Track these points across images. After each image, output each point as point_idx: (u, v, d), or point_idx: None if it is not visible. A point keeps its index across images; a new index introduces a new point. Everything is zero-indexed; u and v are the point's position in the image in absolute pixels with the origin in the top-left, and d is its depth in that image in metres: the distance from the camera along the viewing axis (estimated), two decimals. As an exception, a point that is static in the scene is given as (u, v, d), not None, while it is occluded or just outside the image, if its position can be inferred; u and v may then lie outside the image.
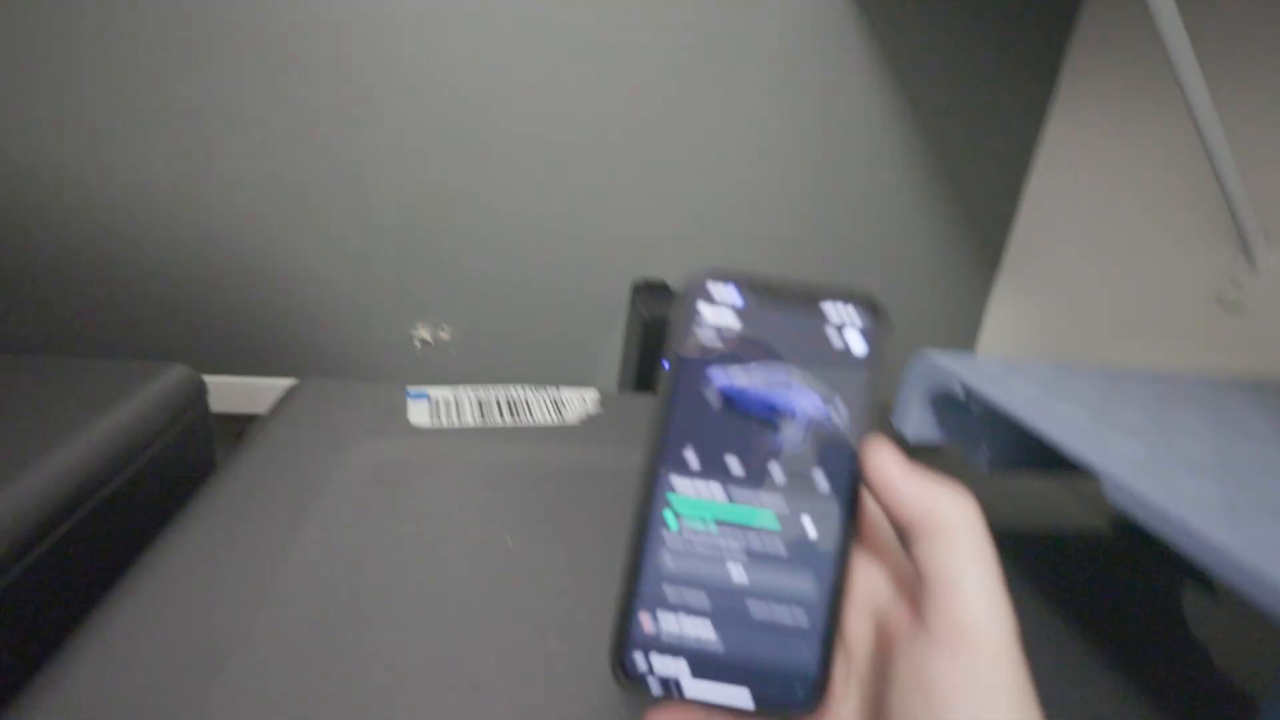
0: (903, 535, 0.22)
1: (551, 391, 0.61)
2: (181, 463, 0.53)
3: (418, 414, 0.52)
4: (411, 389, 0.57)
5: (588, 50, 0.72)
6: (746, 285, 0.26)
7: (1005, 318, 0.87)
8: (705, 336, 0.26)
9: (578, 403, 0.59)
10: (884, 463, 0.22)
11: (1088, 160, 0.77)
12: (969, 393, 0.40)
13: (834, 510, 0.25)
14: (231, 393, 0.74)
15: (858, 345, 0.25)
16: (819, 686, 0.25)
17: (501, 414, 0.55)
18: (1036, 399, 0.37)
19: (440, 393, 0.57)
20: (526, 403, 0.58)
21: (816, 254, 0.85)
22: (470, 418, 0.53)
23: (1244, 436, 0.35)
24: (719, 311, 0.26)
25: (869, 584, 0.25)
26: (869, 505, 0.26)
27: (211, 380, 0.59)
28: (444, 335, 0.81)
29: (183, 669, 0.27)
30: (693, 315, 0.26)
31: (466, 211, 0.75)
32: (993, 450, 0.48)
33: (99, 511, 0.42)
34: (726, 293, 0.26)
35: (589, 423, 0.55)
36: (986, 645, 0.19)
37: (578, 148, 0.75)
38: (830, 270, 0.86)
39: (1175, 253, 0.65)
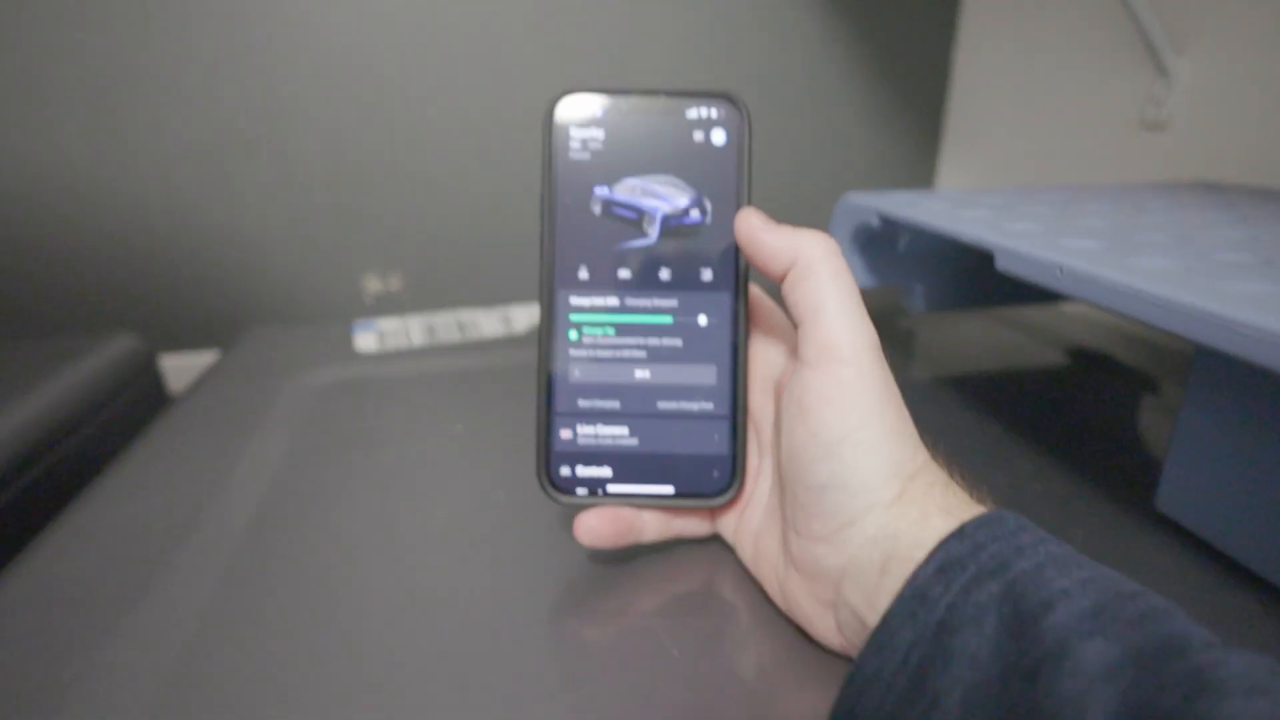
0: (781, 291, 0.23)
1: (501, 309, 0.61)
2: (136, 431, 0.53)
3: (365, 343, 0.53)
4: (359, 322, 0.57)
5: (488, -32, 0.70)
6: (609, 99, 0.26)
7: (953, 180, 0.88)
8: (576, 155, 0.26)
9: (526, 316, 0.59)
10: (749, 223, 0.24)
11: (1005, 17, 0.76)
12: (883, 219, 0.40)
13: (723, 300, 0.26)
14: (185, 374, 0.74)
15: (720, 139, 0.26)
16: (735, 469, 0.27)
17: (449, 333, 0.55)
18: (945, 211, 0.38)
19: (388, 323, 0.57)
20: (475, 322, 0.58)
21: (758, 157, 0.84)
22: (418, 339, 0.54)
23: (1139, 212, 0.36)
24: (585, 128, 0.26)
25: (766, 363, 0.26)
26: (755, 291, 0.27)
27: (167, 362, 0.59)
28: (395, 285, 0.81)
29: (125, 574, 0.28)
30: (561, 135, 0.26)
31: (399, 151, 0.75)
32: (926, 289, 0.49)
33: (42, 481, 0.42)
34: (590, 109, 0.26)
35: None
36: (848, 356, 0.21)
37: (508, 72, 0.74)
38: (778, 165, 0.85)
39: (1099, 86, 0.66)
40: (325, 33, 0.69)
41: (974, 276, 0.48)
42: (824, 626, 0.22)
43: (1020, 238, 0.31)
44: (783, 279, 0.23)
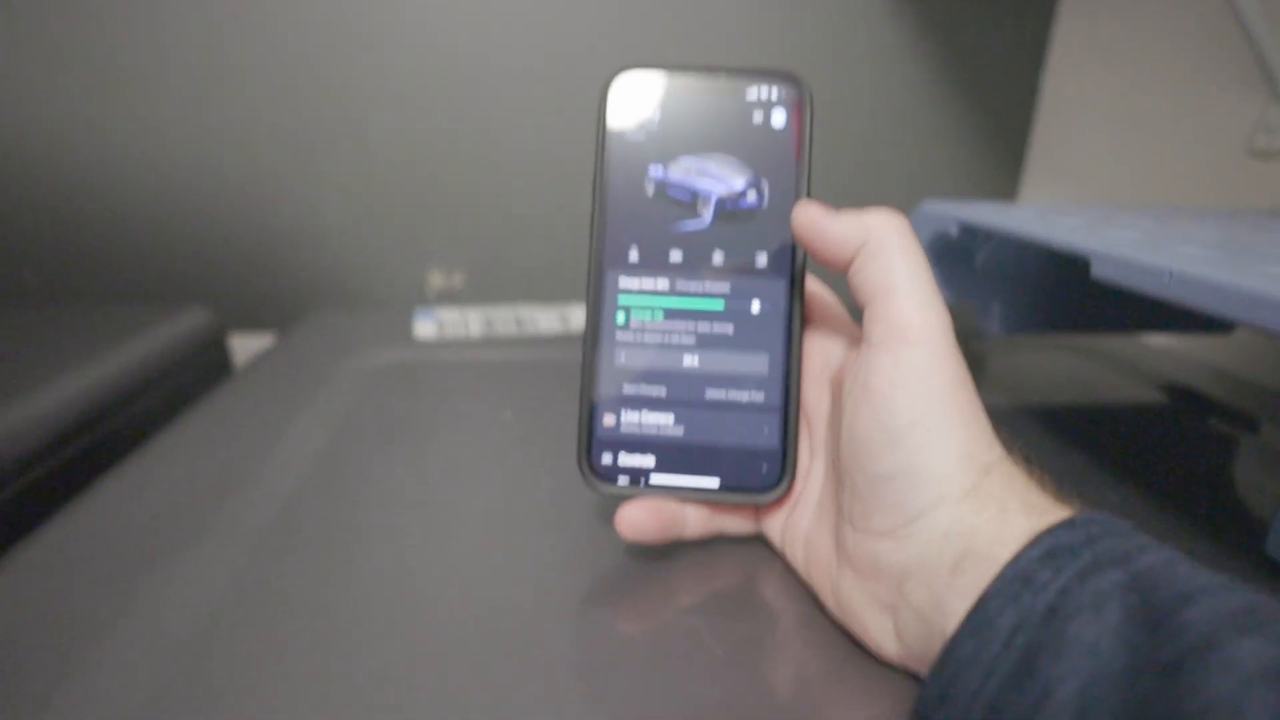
0: (848, 276, 0.22)
1: (559, 308, 0.61)
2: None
3: (423, 330, 0.53)
4: (419, 310, 0.58)
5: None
6: (666, 76, 0.26)
7: (1036, 202, 0.84)
8: (631, 133, 0.26)
9: (584, 315, 0.59)
10: (809, 214, 0.22)
11: (1104, 33, 0.73)
12: (963, 228, 0.38)
13: (778, 287, 0.25)
14: (253, 352, 0.77)
15: (779, 120, 0.25)
16: (784, 465, 0.25)
17: (507, 327, 0.55)
18: (1033, 220, 0.35)
19: (448, 313, 0.58)
20: (534, 318, 0.58)
21: (832, 166, 0.82)
22: (476, 330, 0.54)
23: (1253, 229, 0.33)
24: (641, 106, 0.26)
25: (823, 355, 0.25)
26: (812, 281, 0.26)
27: (237, 341, 0.62)
28: (458, 282, 0.82)
29: (162, 545, 0.28)
30: (616, 113, 0.26)
31: (474, 150, 0.76)
32: (1003, 309, 0.47)
33: (103, 442, 0.42)
34: (647, 86, 0.26)
35: (594, 329, 0.55)
36: (919, 337, 0.19)
37: (580, 74, 0.74)
38: (848, 170, 0.83)
39: (1205, 110, 0.62)
40: (407, 27, 0.71)
41: (1057, 297, 0.45)
42: (880, 632, 0.20)
43: (1121, 244, 0.28)
44: (849, 266, 0.21)
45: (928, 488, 0.19)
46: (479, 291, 0.82)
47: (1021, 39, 0.80)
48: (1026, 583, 0.16)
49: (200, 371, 0.55)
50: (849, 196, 0.81)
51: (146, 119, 0.70)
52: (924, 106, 0.82)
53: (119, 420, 0.44)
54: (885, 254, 0.20)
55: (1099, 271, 0.28)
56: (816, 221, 0.22)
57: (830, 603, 0.22)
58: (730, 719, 0.19)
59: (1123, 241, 0.29)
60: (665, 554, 0.27)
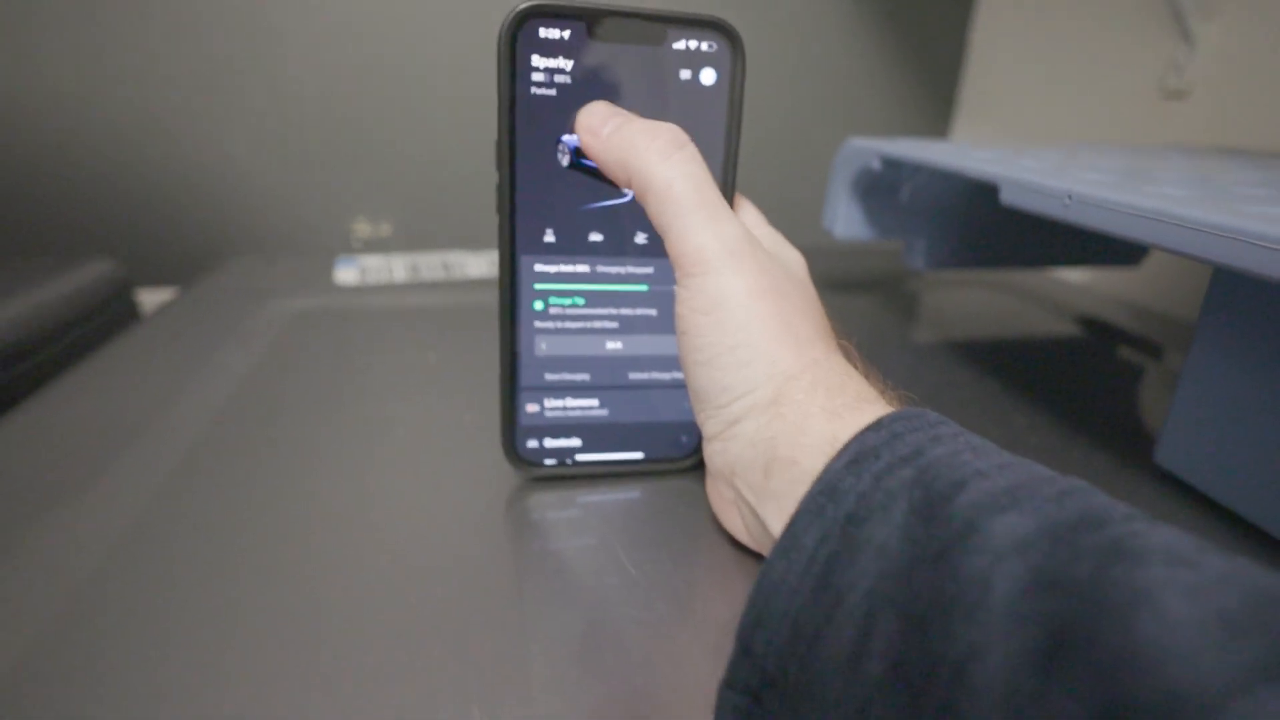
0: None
1: (489, 254, 0.60)
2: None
3: (345, 276, 0.51)
4: (341, 257, 0.55)
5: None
6: (580, 19, 0.21)
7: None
8: (539, 90, 0.21)
9: (515, 260, 0.58)
10: (582, 122, 0.22)
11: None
12: (885, 161, 0.38)
13: None
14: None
15: (709, 78, 0.22)
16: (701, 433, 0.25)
17: (434, 272, 0.54)
18: (949, 153, 0.36)
19: (372, 260, 0.56)
20: (461, 263, 0.56)
21: (769, 109, 0.82)
22: (401, 275, 0.52)
23: (1155, 159, 0.35)
24: (550, 56, 0.21)
25: None
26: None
27: (147, 296, 0.58)
28: (384, 231, 0.79)
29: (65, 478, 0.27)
30: (522, 65, 0.21)
31: (398, 94, 0.72)
32: (928, 245, 0.48)
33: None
34: (557, 31, 0.21)
35: (525, 273, 0.54)
36: (703, 268, 0.20)
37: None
38: (788, 128, 0.83)
39: (1120, 53, 0.63)
40: (321, -39, 0.66)
41: (977, 232, 0.46)
42: (734, 525, 0.22)
43: (1027, 171, 0.29)
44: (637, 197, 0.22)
45: (737, 401, 0.20)
46: (409, 242, 0.79)
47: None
48: (831, 494, 0.16)
49: (105, 325, 0.52)
50: (785, 138, 0.82)
51: (36, 58, 0.64)
52: (859, 51, 0.82)
53: (16, 373, 0.42)
54: (653, 196, 0.20)
55: (1007, 197, 0.28)
56: (587, 124, 0.22)
57: (711, 503, 0.24)
58: (648, 630, 0.20)
59: (1030, 170, 0.29)
60: (578, 479, 0.27)
